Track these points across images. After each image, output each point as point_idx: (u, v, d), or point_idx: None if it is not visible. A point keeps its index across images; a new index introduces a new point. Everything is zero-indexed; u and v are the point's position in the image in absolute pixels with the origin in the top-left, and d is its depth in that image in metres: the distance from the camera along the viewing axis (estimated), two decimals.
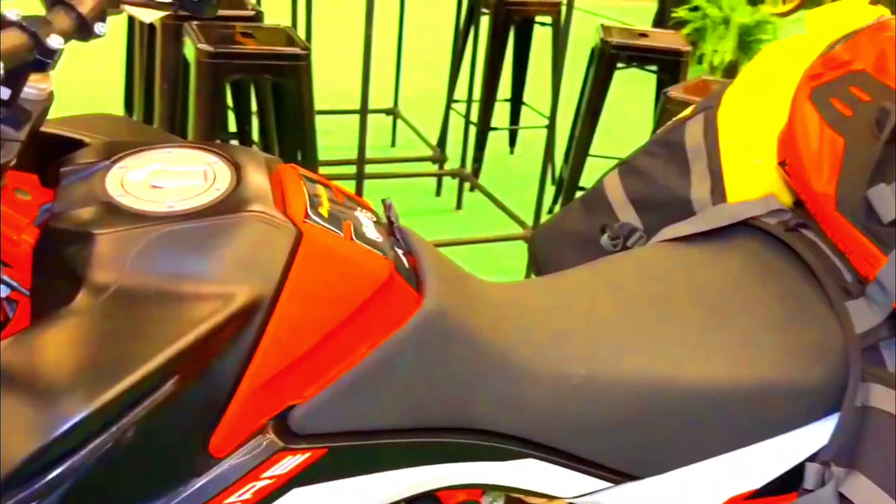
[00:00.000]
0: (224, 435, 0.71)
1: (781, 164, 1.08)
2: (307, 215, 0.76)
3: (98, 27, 0.75)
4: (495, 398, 0.85)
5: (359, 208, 0.84)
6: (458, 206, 3.24)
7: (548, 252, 1.28)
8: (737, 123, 1.16)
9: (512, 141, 3.65)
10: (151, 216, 0.71)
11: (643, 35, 2.78)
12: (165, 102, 2.57)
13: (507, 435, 0.86)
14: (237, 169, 0.78)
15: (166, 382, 0.65)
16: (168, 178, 0.75)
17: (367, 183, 2.97)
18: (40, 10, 0.73)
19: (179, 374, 0.65)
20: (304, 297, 0.73)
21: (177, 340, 0.65)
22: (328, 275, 0.75)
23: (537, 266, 1.29)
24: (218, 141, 2.25)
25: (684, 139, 1.20)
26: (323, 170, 2.91)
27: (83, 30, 0.74)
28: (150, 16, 0.91)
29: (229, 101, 2.53)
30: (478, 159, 3.28)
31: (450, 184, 3.30)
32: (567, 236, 1.26)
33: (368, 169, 3.11)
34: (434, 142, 3.42)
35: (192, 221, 0.71)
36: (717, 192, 1.12)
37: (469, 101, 3.21)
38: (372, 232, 0.81)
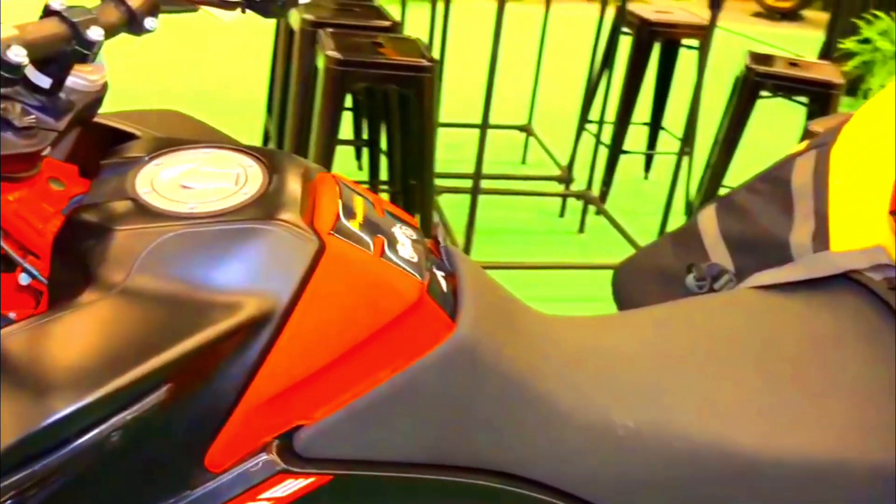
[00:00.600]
0: (222, 449, 0.69)
1: (894, 213, 0.97)
2: (335, 227, 0.72)
3: (148, 22, 0.75)
4: (527, 442, 0.79)
5: (399, 224, 0.81)
6: (581, 229, 3.15)
7: (630, 286, 1.20)
8: (851, 164, 1.05)
9: (647, 166, 3.53)
10: (170, 216, 0.69)
11: (793, 64, 2.61)
12: (298, 106, 2.62)
13: (537, 483, 0.80)
14: (271, 174, 0.76)
15: (159, 388, 0.63)
16: (199, 178, 0.74)
17: (490, 198, 2.95)
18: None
19: (173, 382, 0.63)
20: (321, 312, 0.70)
21: (172, 347, 0.63)
22: (349, 291, 0.71)
23: (618, 300, 1.21)
24: (333, 146, 2.28)
25: (791, 177, 1.09)
26: (443, 181, 2.90)
27: (132, 24, 0.74)
28: (227, 16, 0.90)
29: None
30: (606, 183, 3.19)
31: (574, 205, 3.22)
32: (652, 272, 1.17)
33: (493, 184, 3.08)
34: (565, 161, 3.35)
35: (207, 224, 0.69)
36: (820, 238, 1.01)
37: (601, 122, 3.12)
38: (407, 250, 0.77)
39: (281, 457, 0.71)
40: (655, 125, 3.37)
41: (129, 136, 0.84)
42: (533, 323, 0.87)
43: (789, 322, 0.94)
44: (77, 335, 0.63)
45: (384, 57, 2.25)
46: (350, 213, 0.76)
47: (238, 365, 0.67)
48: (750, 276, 1.04)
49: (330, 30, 2.40)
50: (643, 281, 1.18)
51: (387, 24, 2.65)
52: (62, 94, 0.72)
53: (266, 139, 3.19)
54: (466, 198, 2.49)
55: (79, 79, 0.74)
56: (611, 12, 3.11)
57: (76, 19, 0.67)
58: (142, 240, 0.67)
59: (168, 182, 0.73)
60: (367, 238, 0.74)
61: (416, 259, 0.77)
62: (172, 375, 0.63)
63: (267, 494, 0.70)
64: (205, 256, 0.68)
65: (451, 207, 2.89)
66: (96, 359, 0.61)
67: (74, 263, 0.68)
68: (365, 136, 3.04)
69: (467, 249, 2.53)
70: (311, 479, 0.72)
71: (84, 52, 0.69)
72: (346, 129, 2.82)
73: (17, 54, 0.62)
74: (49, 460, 0.59)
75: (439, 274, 0.81)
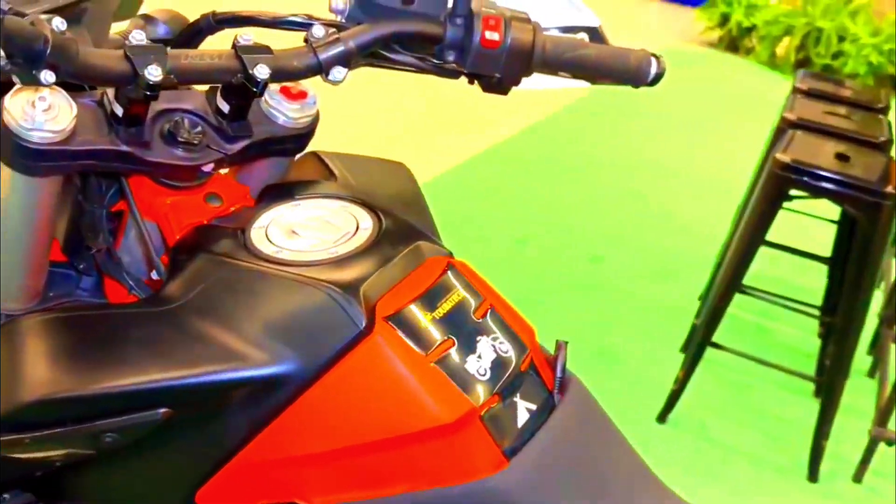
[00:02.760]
0: (214, 494, 0.68)
1: None
2: (396, 314, 0.67)
3: (335, 72, 0.77)
4: None
5: (494, 335, 0.71)
6: None
7: None
8: None
9: None
10: (253, 254, 0.70)
11: None
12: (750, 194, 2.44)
13: None
14: (376, 242, 0.72)
15: (154, 409, 0.65)
16: (311, 229, 0.74)
17: None
18: None
19: (172, 408, 0.65)
20: (342, 395, 0.66)
21: (172, 374, 0.64)
22: (377, 385, 0.65)
23: None
24: None
25: None
26: None
27: (315, 71, 0.76)
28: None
29: None
30: None
31: None
32: None
33: None
34: None
35: (269, 270, 0.68)
36: None
37: None
38: (482, 364, 0.68)
39: None
40: None
41: (327, 172, 0.87)
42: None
43: None
44: (108, 332, 0.68)
45: (835, 169, 1.98)
46: (430, 305, 0.69)
47: (243, 415, 0.66)
48: None
49: (798, 132, 2.18)
50: None
51: (877, 139, 2.31)
52: (242, 122, 0.77)
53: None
54: None
55: (279, 112, 0.79)
56: None
57: (245, 55, 0.72)
58: (211, 269, 0.70)
59: (284, 224, 0.75)
60: (432, 336, 0.67)
61: (485, 377, 0.67)
62: (170, 402, 0.64)
63: None
64: (249, 299, 0.68)
65: None
66: (104, 358, 0.65)
67: (168, 271, 0.73)
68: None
69: None
70: None
71: (251, 88, 0.73)
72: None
73: (261, 73, 0.70)
74: (44, 433, 0.65)
75: (522, 403, 0.70)
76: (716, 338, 2.17)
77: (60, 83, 0.67)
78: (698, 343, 2.18)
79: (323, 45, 0.76)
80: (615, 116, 4.62)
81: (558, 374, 0.74)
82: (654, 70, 0.88)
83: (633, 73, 0.87)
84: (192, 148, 0.75)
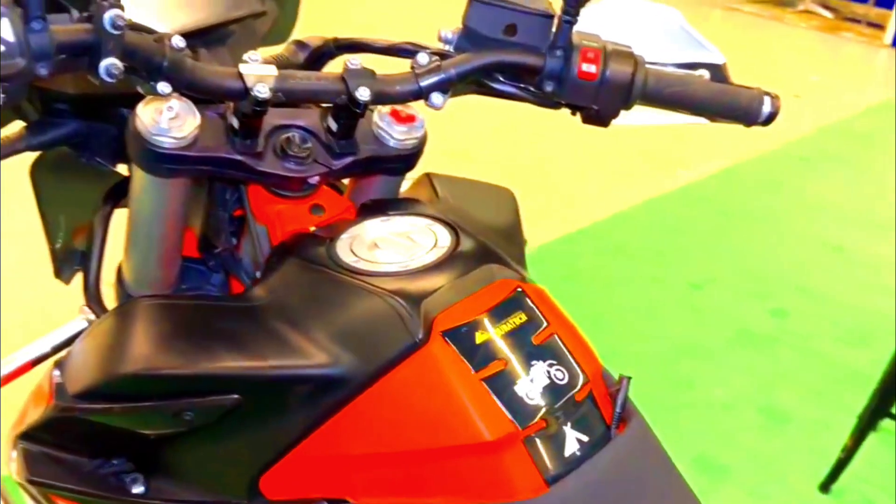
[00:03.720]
0: (276, 480, 0.73)
1: None
2: (452, 330, 0.69)
3: (434, 97, 0.81)
4: None
5: (550, 361, 0.71)
6: None
7: None
8: None
9: None
10: (334, 262, 0.75)
11: None
12: None
13: None
14: (451, 261, 0.75)
15: (227, 394, 0.71)
16: (392, 244, 0.78)
17: None
18: None
19: (242, 395, 0.71)
20: (392, 401, 0.69)
21: (243, 364, 0.70)
22: (425, 395, 0.68)
23: None
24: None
25: None
26: None
27: (415, 95, 0.81)
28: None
29: None
30: None
31: None
32: None
33: None
34: None
35: (341, 279, 0.73)
36: None
37: None
38: (531, 388, 0.69)
39: None
40: None
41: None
42: None
43: None
44: (202, 321, 0.75)
45: None
46: (489, 325, 0.71)
47: (303, 410, 0.71)
48: None
49: None
50: None
51: None
52: (349, 140, 0.83)
53: None
54: None
55: (387, 134, 0.85)
56: None
57: (350, 78, 0.78)
58: (294, 272, 0.76)
59: (368, 238, 0.79)
60: (485, 354, 0.69)
61: (534, 401, 0.68)
62: (241, 389, 0.70)
63: None
64: (320, 303, 0.72)
65: None
66: (192, 344, 0.72)
67: (264, 272, 0.80)
68: None
69: None
70: None
71: (354, 109, 0.79)
72: None
73: (363, 95, 0.76)
74: (133, 405, 0.72)
75: (573, 433, 0.70)
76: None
77: (190, 96, 0.76)
78: (872, 410, 2.02)
79: (424, 72, 0.81)
80: (824, 162, 4.37)
81: (618, 408, 0.73)
82: (767, 109, 0.85)
83: (743, 110, 0.85)
84: (300, 161, 0.81)
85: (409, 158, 0.87)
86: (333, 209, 0.87)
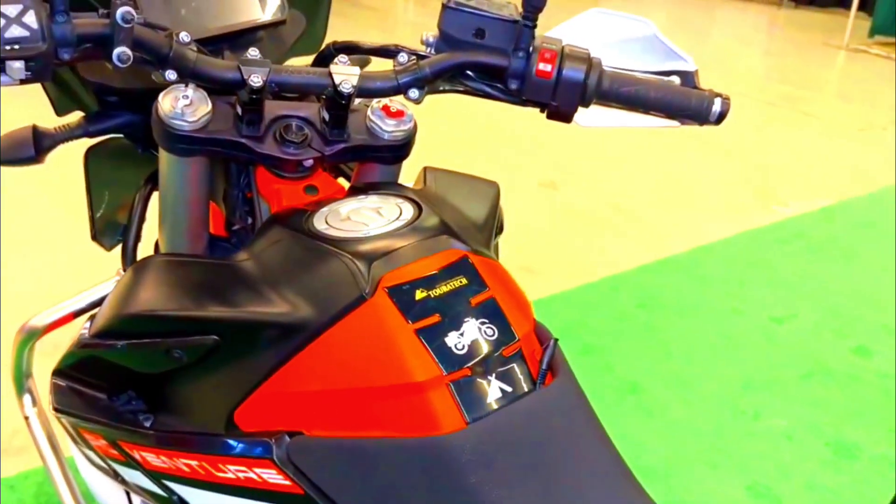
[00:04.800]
0: (247, 414, 0.85)
1: None
2: (394, 288, 0.79)
3: (411, 92, 0.92)
4: None
5: (483, 320, 0.80)
6: None
7: None
8: None
9: None
10: (309, 230, 0.87)
11: None
12: None
13: None
14: (407, 231, 0.85)
15: (207, 335, 0.83)
16: (363, 216, 0.88)
17: None
18: None
19: (218, 336, 0.83)
20: (340, 345, 0.79)
21: (224, 310, 0.82)
22: (367, 341, 0.78)
23: None
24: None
25: None
26: None
27: (394, 90, 0.92)
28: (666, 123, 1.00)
29: None
30: None
31: None
32: None
33: None
34: None
35: (308, 244, 0.84)
36: None
37: None
38: (461, 341, 0.78)
39: (278, 447, 0.82)
40: None
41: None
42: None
43: None
44: (197, 274, 0.87)
45: None
46: (428, 285, 0.80)
47: (269, 352, 0.82)
48: None
49: None
50: None
51: None
52: (341, 129, 0.94)
53: None
54: None
55: (378, 126, 0.96)
56: None
57: (336, 73, 0.90)
58: (275, 237, 0.87)
59: (344, 212, 0.90)
60: (421, 310, 0.78)
61: (462, 352, 0.77)
62: (219, 331, 0.83)
63: (259, 471, 0.83)
64: (290, 262, 0.84)
65: None
66: (184, 292, 0.85)
67: (255, 236, 0.92)
68: None
69: None
70: (288, 482, 0.81)
71: (340, 101, 0.91)
72: None
73: (346, 88, 0.88)
74: (132, 342, 0.85)
75: (497, 383, 0.78)
76: None
77: (206, 88, 0.89)
78: None
79: (403, 70, 0.92)
80: None
81: (543, 365, 0.81)
82: (717, 109, 0.92)
83: (695, 110, 0.92)
84: (296, 146, 0.93)
85: (399, 148, 0.98)
86: (326, 190, 0.98)
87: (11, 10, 0.75)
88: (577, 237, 3.54)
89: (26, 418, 1.21)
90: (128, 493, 1.08)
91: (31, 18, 0.75)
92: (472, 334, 0.79)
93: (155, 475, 0.95)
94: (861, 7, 8.67)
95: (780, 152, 4.97)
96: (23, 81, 0.78)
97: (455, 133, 4.40)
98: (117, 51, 0.80)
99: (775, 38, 9.36)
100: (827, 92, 6.97)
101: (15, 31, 0.75)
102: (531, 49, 0.90)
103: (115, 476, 1.04)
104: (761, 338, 2.88)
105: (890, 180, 4.42)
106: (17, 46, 0.75)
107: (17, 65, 0.76)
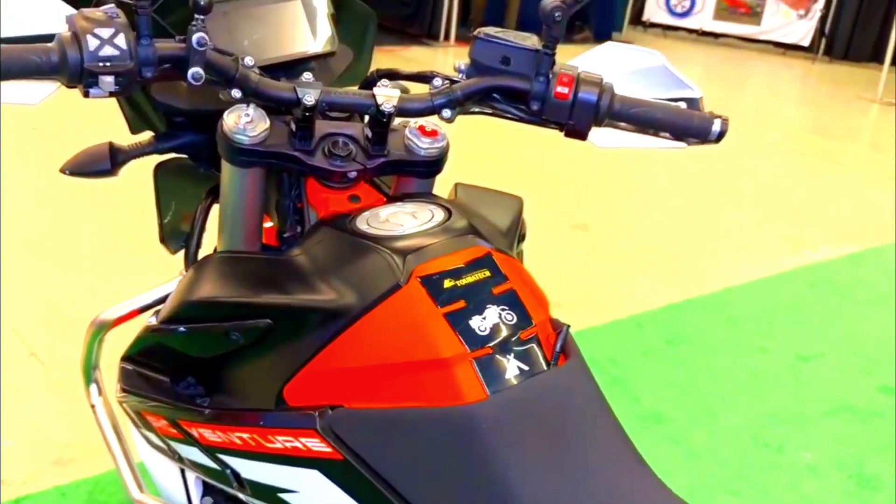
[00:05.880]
0: (295, 390, 0.95)
1: None
2: (426, 277, 0.90)
3: (444, 112, 1.05)
4: None
5: (503, 307, 0.90)
6: None
7: None
8: None
9: None
10: (348, 230, 0.98)
11: None
12: None
13: None
14: (438, 231, 0.96)
15: (262, 319, 0.94)
16: (400, 219, 1.00)
17: None
18: None
19: (272, 320, 0.94)
20: (378, 327, 0.90)
21: (276, 297, 0.94)
22: (402, 324, 0.89)
23: None
24: None
25: None
26: None
27: (430, 111, 1.04)
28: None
29: None
30: None
31: None
32: None
33: None
34: None
35: (353, 240, 0.96)
36: None
37: None
38: (483, 324, 0.88)
39: (322, 419, 0.93)
40: None
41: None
42: (589, 471, 0.84)
43: None
44: (253, 267, 0.99)
45: None
46: (457, 276, 0.91)
47: (316, 335, 0.93)
48: None
49: None
50: None
51: None
52: (382, 146, 1.06)
53: None
54: None
55: (414, 143, 1.08)
56: None
57: (378, 95, 1.02)
58: (321, 235, 0.99)
59: (383, 215, 1.02)
60: (449, 297, 0.89)
61: (484, 333, 0.88)
62: (272, 316, 0.94)
63: (303, 440, 0.94)
64: (335, 255, 0.96)
65: None
66: (243, 282, 0.97)
67: (305, 236, 1.04)
68: None
69: None
70: (329, 450, 0.92)
71: (380, 118, 1.03)
72: None
73: (387, 107, 1.00)
74: (196, 325, 0.97)
75: (515, 362, 0.88)
76: None
77: (265, 107, 1.02)
78: None
79: (437, 93, 1.04)
80: None
81: (557, 348, 0.91)
82: (717, 129, 1.03)
83: (695, 129, 1.03)
84: (342, 159, 1.05)
85: (433, 164, 1.09)
86: (367, 199, 1.10)
87: (105, 32, 0.88)
88: (606, 276, 3.63)
89: (92, 406, 1.32)
90: (182, 472, 1.19)
91: (120, 40, 0.88)
92: (493, 319, 0.89)
93: (210, 450, 1.05)
94: (895, 62, 8.75)
95: (812, 199, 5.03)
96: (111, 94, 0.91)
97: (490, 176, 4.53)
98: (192, 71, 0.93)
99: (809, 90, 9.45)
100: (859, 143, 7.03)
101: (107, 51, 0.88)
102: (550, 75, 1.02)
103: (172, 455, 1.15)
104: (787, 375, 2.93)
105: None
106: (108, 63, 0.89)
107: (108, 79, 0.89)
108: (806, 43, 10.91)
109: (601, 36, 9.47)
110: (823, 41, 10.82)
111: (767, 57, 10.88)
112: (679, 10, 11.59)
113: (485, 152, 4.81)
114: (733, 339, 3.14)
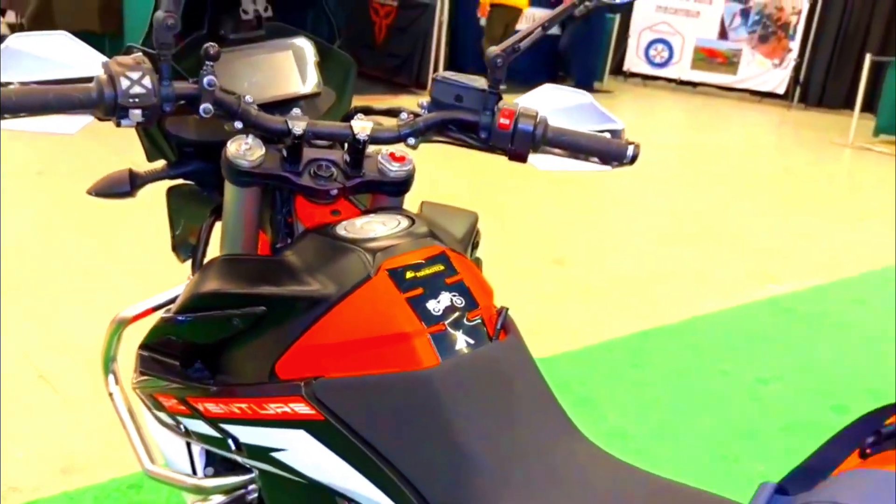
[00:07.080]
0: (285, 366, 1.16)
1: None
2: (393, 270, 1.12)
3: (409, 140, 1.27)
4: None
5: (454, 293, 1.11)
6: None
7: None
8: None
9: None
10: (328, 235, 1.20)
11: None
12: None
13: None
14: (403, 234, 1.18)
15: (257, 306, 1.15)
16: (372, 225, 1.22)
17: None
18: None
19: (266, 307, 1.15)
20: (353, 311, 1.11)
21: (270, 288, 1.15)
22: (371, 307, 1.10)
23: None
24: None
25: None
26: None
27: (396, 139, 1.27)
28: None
29: None
30: None
31: None
32: None
33: None
34: None
35: (333, 242, 1.17)
36: None
37: None
38: (437, 306, 1.09)
39: (306, 388, 1.13)
40: None
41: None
42: (536, 442, 1.05)
43: None
44: (250, 266, 1.20)
45: None
46: (416, 269, 1.13)
47: (302, 319, 1.14)
48: None
49: None
50: None
51: None
52: (358, 169, 1.28)
53: None
54: None
55: (385, 167, 1.30)
56: None
57: (354, 126, 1.25)
58: (306, 239, 1.21)
59: (358, 224, 1.23)
60: (410, 285, 1.10)
61: (438, 313, 1.09)
62: (266, 304, 1.15)
63: (291, 405, 1.14)
64: (317, 254, 1.17)
65: None
66: (242, 277, 1.18)
67: (293, 241, 1.26)
68: None
69: None
70: (312, 412, 1.12)
71: (356, 146, 1.25)
72: None
73: (361, 136, 1.22)
74: (202, 314, 1.18)
75: (463, 337, 1.09)
76: None
77: (260, 136, 1.24)
78: None
79: (403, 125, 1.27)
80: None
81: (498, 325, 1.12)
82: (630, 153, 1.26)
83: (614, 153, 1.26)
84: (324, 179, 1.27)
85: (401, 184, 1.31)
86: (346, 213, 1.33)
87: (135, 75, 1.11)
88: (580, 307, 3.85)
89: (110, 395, 1.52)
90: (188, 445, 1.39)
91: (147, 81, 1.11)
92: (445, 302, 1.11)
93: (214, 421, 1.26)
94: (867, 108, 9.10)
95: (781, 238, 5.28)
96: (138, 124, 1.13)
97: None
98: (203, 106, 1.16)
99: (784, 136, 9.78)
100: (832, 185, 7.31)
101: (136, 89, 1.11)
102: (496, 109, 1.25)
103: (180, 430, 1.35)
104: (746, 396, 3.13)
105: (883, 262, 4.70)
106: (137, 100, 1.11)
107: (136, 112, 1.11)
108: (781, 91, 11.29)
109: (582, 85, 9.80)
110: (798, 89, 11.20)
111: (744, 104, 11.25)
112: (658, 60, 11.99)
113: (469, 196, 5.06)
114: (697, 364, 3.35)
